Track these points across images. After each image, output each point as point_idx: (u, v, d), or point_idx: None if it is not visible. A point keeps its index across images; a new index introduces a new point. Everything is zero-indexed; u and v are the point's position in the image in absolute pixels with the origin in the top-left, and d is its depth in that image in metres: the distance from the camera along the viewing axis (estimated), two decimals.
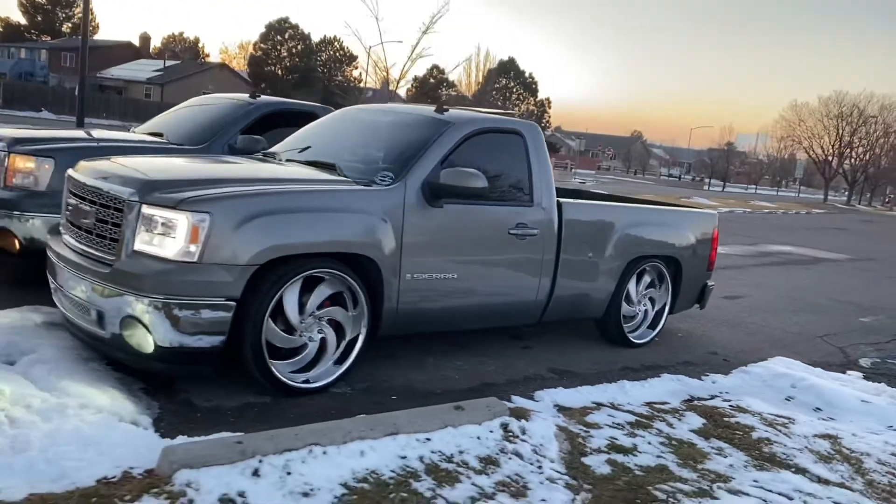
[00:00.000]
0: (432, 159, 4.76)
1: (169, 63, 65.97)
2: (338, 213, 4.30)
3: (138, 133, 7.28)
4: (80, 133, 6.79)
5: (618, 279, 5.92)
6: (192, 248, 3.82)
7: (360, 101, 71.24)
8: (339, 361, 4.45)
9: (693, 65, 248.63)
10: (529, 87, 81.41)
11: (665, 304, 6.47)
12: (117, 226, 4.01)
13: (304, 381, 4.29)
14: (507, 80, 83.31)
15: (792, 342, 7.29)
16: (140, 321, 3.86)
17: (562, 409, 4.56)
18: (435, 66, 79.26)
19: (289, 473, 3.23)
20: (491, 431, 3.95)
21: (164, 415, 3.82)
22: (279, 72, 62.06)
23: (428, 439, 3.73)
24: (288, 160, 5.09)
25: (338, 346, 4.42)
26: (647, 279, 6.26)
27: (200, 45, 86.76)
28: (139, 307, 3.85)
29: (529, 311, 5.48)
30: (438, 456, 3.62)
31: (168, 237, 3.86)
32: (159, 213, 3.88)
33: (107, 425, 3.47)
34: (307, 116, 7.26)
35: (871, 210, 62.14)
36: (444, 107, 5.37)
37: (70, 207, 4.48)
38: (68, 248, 4.38)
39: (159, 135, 6.74)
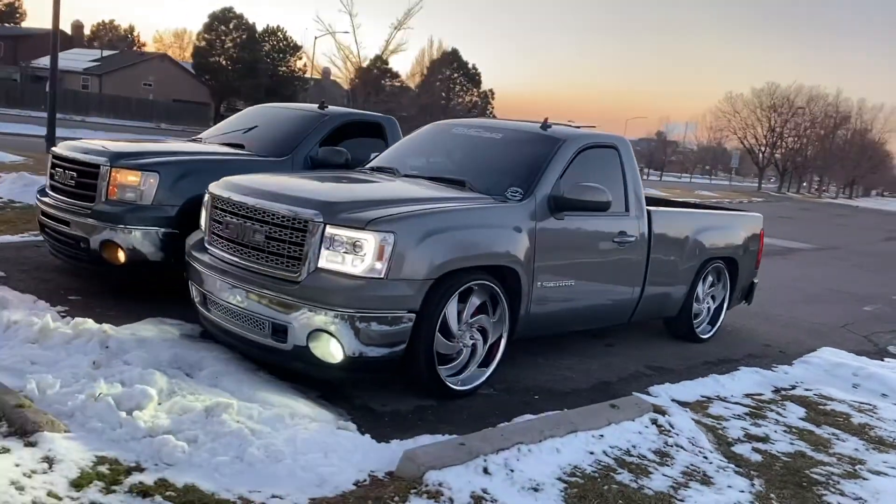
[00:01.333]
0: (553, 175, 5.14)
1: (106, 53, 64.05)
2: (491, 229, 4.65)
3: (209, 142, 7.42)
4: (172, 145, 6.89)
5: (692, 280, 6.42)
6: (379, 265, 4.11)
7: (302, 93, 70.43)
8: (483, 365, 4.78)
9: (628, 55, 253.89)
10: (473, 78, 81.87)
11: (723, 301, 7.00)
12: (297, 245, 4.25)
13: (460, 385, 4.62)
14: (450, 72, 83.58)
15: (824, 332, 7.93)
16: (330, 334, 4.13)
17: (680, 403, 5.00)
18: (378, 57, 78.96)
19: (511, 471, 3.58)
20: (646, 427, 4.37)
21: (357, 420, 4.09)
22: (224, 63, 60.93)
23: (601, 436, 4.13)
24: (409, 176, 5.37)
25: (477, 351, 4.76)
26: (710, 279, 6.77)
27: (136, 33, 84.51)
28: (328, 321, 4.12)
29: (624, 312, 5.93)
30: (617, 451, 4.02)
31: (355, 255, 4.13)
32: (345, 234, 4.15)
33: (329, 433, 3.75)
34: (373, 127, 7.55)
35: (802, 197, 65.01)
36: (547, 123, 5.73)
37: (222, 224, 4.68)
38: (226, 264, 4.58)
39: (240, 146, 6.90)
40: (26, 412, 3.40)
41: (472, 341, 4.66)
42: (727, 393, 5.35)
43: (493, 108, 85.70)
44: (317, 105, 7.59)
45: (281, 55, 65.49)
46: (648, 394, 5.16)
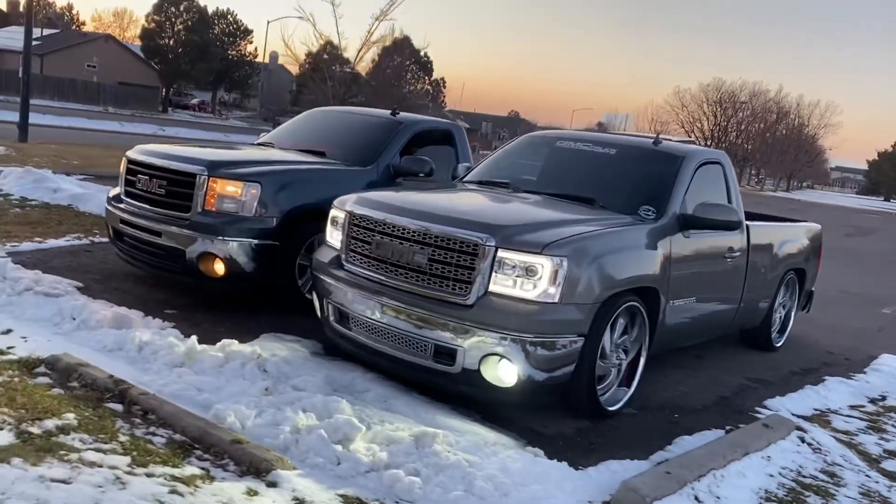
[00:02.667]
0: (680, 193, 5.22)
1: (47, 32, 61.42)
2: (640, 250, 4.69)
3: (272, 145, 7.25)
4: (258, 153, 6.69)
5: (774, 291, 6.60)
6: (552, 289, 4.12)
7: (254, 77, 68.89)
8: (622, 384, 4.83)
9: (575, 47, 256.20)
10: (424, 66, 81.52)
11: (791, 311, 7.21)
12: (465, 268, 4.21)
13: (608, 405, 4.66)
14: (401, 59, 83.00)
15: (869, 338, 8.25)
16: (503, 357, 4.12)
17: (798, 417, 5.15)
18: (329, 43, 77.86)
19: (718, 497, 3.66)
20: (798, 445, 4.51)
21: (535, 444, 4.09)
22: (174, 45, 59.18)
23: (769, 457, 4.24)
24: (531, 192, 5.35)
25: (621, 370, 4.81)
26: (785, 289, 6.97)
27: (74, 11, 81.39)
28: (502, 345, 4.11)
29: (728, 325, 6.07)
30: (790, 472, 4.15)
31: (529, 279, 4.12)
32: (519, 258, 4.14)
33: (531, 461, 3.76)
34: (444, 134, 7.50)
35: (747, 190, 66.96)
36: (659, 138, 5.79)
37: (370, 244, 4.60)
38: (375, 283, 4.51)
39: (320, 153, 6.75)
40: (249, 449, 3.31)
41: (618, 361, 4.71)
42: (833, 405, 5.54)
43: (444, 97, 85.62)
44: (388, 112, 7.47)
45: (231, 39, 64.05)
46: (767, 408, 5.30)
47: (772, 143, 76.50)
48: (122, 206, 6.27)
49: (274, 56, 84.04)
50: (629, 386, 4.82)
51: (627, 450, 4.19)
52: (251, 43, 65.73)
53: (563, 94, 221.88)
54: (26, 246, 7.25)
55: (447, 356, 4.27)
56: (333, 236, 5.03)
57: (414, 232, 4.38)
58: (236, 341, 4.61)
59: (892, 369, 6.67)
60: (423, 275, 4.35)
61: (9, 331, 4.71)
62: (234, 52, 64.99)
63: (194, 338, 4.56)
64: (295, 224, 5.90)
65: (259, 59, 65.93)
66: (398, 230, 4.46)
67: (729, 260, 5.70)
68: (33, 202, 9.88)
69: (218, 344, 4.55)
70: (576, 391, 4.40)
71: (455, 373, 4.26)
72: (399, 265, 4.45)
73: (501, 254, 4.16)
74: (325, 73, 57.46)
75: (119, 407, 3.68)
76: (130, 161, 6.28)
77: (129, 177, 6.27)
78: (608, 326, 4.42)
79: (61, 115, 37.24)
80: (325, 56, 77.56)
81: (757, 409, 5.24)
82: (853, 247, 21.19)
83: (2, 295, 5.33)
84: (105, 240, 7.97)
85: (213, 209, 5.72)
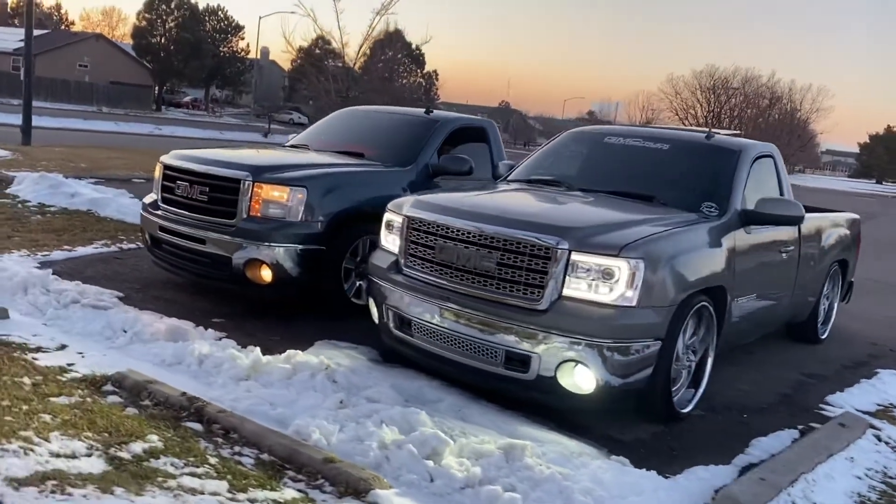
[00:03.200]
0: (740, 188, 5.13)
1: (37, 32, 60.71)
2: (709, 248, 4.60)
3: (304, 148, 7.13)
4: (297, 156, 6.55)
5: (822, 283, 6.53)
6: (630, 293, 4.02)
7: (247, 73, 68.31)
8: (690, 385, 4.75)
9: (565, 36, 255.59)
10: (417, 59, 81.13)
11: (834, 302, 7.14)
12: (537, 272, 4.12)
13: (680, 407, 4.57)
14: (393, 52, 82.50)
15: None
16: (581, 364, 4.02)
17: (864, 413, 5.08)
18: (321, 37, 77.34)
19: (814, 503, 3.57)
20: (876, 444, 4.44)
21: (617, 452, 4.00)
22: (166, 44, 58.72)
23: (852, 458, 4.17)
24: (586, 190, 5.24)
25: (691, 371, 4.72)
26: (829, 281, 6.90)
27: (63, 11, 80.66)
28: (581, 351, 4.01)
29: (782, 319, 6.00)
30: (875, 473, 4.08)
31: (605, 283, 4.03)
32: (595, 261, 4.04)
33: (621, 471, 3.67)
34: (478, 132, 7.38)
35: None
36: (711, 132, 5.69)
37: (432, 248, 4.49)
38: (439, 289, 4.41)
39: (359, 155, 6.63)
40: (344, 468, 3.21)
41: (688, 363, 4.62)
42: (892, 399, 5.46)
43: (437, 89, 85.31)
44: (422, 111, 7.35)
45: (222, 35, 63.62)
46: (830, 404, 5.23)
47: (765, 129, 76.41)
48: (159, 212, 6.14)
49: (265, 52, 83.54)
50: (697, 387, 4.73)
51: (708, 454, 4.10)
52: (243, 39, 65.43)
53: (553, 83, 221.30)
54: (57, 255, 7.11)
55: (520, 363, 4.18)
56: (389, 240, 4.93)
57: (481, 236, 4.27)
58: (301, 352, 4.50)
59: None
60: (491, 279, 4.25)
61: (63, 346, 4.59)
62: (225, 49, 64.61)
63: (258, 350, 4.46)
64: (340, 228, 5.79)
65: (251, 56, 65.57)
66: (464, 234, 4.35)
67: (784, 254, 5.62)
68: (52, 208, 9.72)
69: (283, 355, 4.44)
70: (651, 395, 4.31)
71: (529, 380, 4.16)
72: (465, 270, 4.34)
73: (575, 257, 4.06)
74: (324, 68, 57.07)
75: (198, 426, 3.57)
76: (168, 167, 6.15)
77: (166, 183, 6.14)
78: (683, 328, 4.33)
79: (56, 116, 37.00)
80: (318, 51, 77.23)
81: (821, 405, 5.16)
82: (864, 233, 21.11)
83: (48, 308, 5.20)
84: (133, 246, 7.87)
85: (259, 215, 5.61)
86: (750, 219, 5.02)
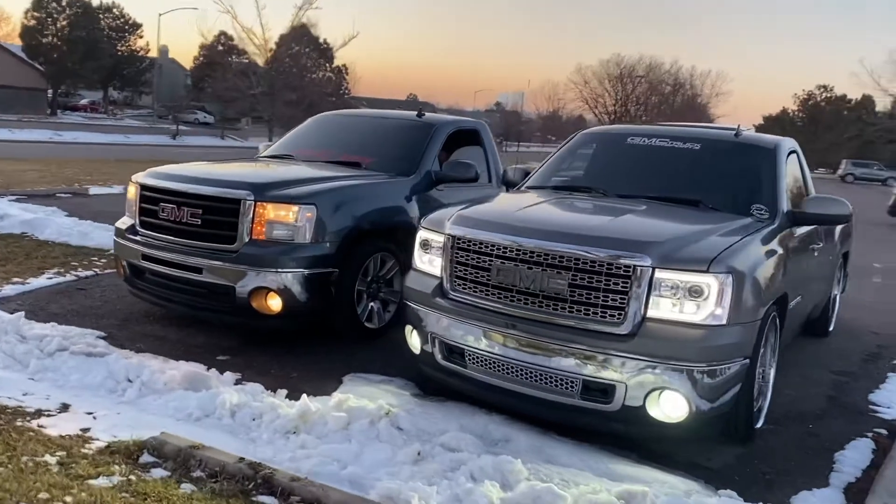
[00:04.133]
0: (784, 188, 4.92)
1: None
2: (776, 255, 4.35)
3: (272, 157, 6.55)
4: (292, 169, 5.93)
5: (834, 276, 6.46)
6: (719, 310, 3.72)
7: (148, 73, 65.31)
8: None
9: (473, 28, 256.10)
10: (325, 53, 79.72)
11: (838, 294, 7.10)
12: (617, 292, 3.76)
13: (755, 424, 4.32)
14: (300, 47, 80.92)
15: None
16: (673, 391, 3.70)
17: None
18: (223, 33, 74.97)
19: None
20: None
21: (717, 483, 3.70)
22: (59, 44, 55.38)
23: None
24: (625, 196, 4.91)
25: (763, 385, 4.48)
26: (838, 273, 6.84)
27: None
28: (671, 377, 3.69)
29: (810, 317, 5.86)
30: None
31: (693, 301, 3.71)
32: (681, 278, 3.71)
33: None
34: (472, 134, 6.98)
35: None
36: (740, 129, 5.47)
37: (487, 271, 4.07)
38: (498, 315, 4.00)
39: (355, 164, 6.12)
40: None
41: (761, 377, 4.37)
42: None
43: (347, 83, 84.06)
44: (414, 113, 6.88)
45: (119, 34, 60.64)
46: (877, 405, 5.11)
47: (669, 115, 78.77)
48: (138, 238, 5.48)
49: (164, 50, 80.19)
50: (763, 400, 4.50)
51: (803, 476, 3.86)
52: (141, 37, 62.50)
53: (462, 75, 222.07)
54: (8, 290, 6.32)
55: (600, 393, 3.82)
56: (426, 261, 4.48)
57: (548, 255, 3.88)
58: (352, 395, 4.00)
59: None
60: (562, 302, 3.87)
61: (66, 406, 3.96)
62: (123, 48, 61.63)
63: (305, 397, 3.93)
64: (351, 247, 5.29)
65: (151, 54, 62.83)
66: (526, 254, 3.95)
67: (815, 251, 5.47)
68: None
69: (332, 400, 3.93)
70: (735, 416, 4.04)
71: (612, 411, 3.81)
72: (530, 293, 3.94)
73: (660, 274, 3.72)
74: (228, 65, 55.02)
75: (272, 500, 3.05)
76: (147, 188, 5.48)
77: (145, 205, 5.48)
78: (763, 342, 4.08)
79: None
80: (220, 48, 74.66)
81: (871, 407, 5.03)
82: None
83: (30, 359, 4.51)
84: (91, 273, 7.12)
85: (263, 237, 5.04)
86: (797, 220, 4.81)
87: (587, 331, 3.81)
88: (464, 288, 4.20)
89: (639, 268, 3.72)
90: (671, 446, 4.04)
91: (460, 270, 4.22)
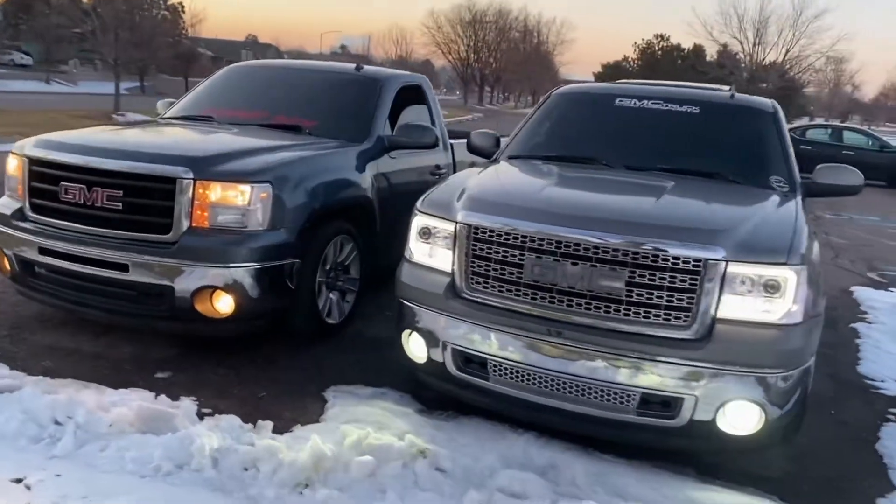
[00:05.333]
0: (793, 155, 4.55)
1: None
2: (811, 235, 3.93)
3: (173, 117, 5.46)
4: (227, 138, 4.82)
5: None
6: (795, 307, 3.25)
7: None
8: None
9: None
10: None
11: None
12: (683, 291, 3.21)
13: None
14: None
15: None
16: (748, 401, 3.23)
17: None
18: None
19: None
20: None
21: (788, 499, 3.30)
22: None
23: None
24: (636, 169, 4.34)
25: None
26: None
27: None
28: (748, 386, 3.22)
29: None
30: None
31: (768, 298, 3.22)
32: (756, 271, 3.20)
33: None
34: (416, 91, 6.17)
35: (501, 108, 69.50)
36: (732, 88, 5.03)
37: (519, 264, 3.40)
38: (542, 319, 3.37)
39: (295, 129, 5.16)
40: None
41: None
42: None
43: (184, 23, 78.46)
44: (351, 66, 5.94)
45: None
46: (871, 378, 4.97)
47: (518, 62, 79.74)
48: (29, 226, 4.33)
49: None
50: None
51: (867, 478, 3.58)
52: None
53: (305, 16, 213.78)
54: None
55: (662, 406, 3.29)
56: (427, 253, 3.73)
57: (598, 248, 3.25)
58: (371, 431, 3.23)
59: (885, 304, 6.71)
60: (616, 304, 3.27)
61: None
62: None
63: (316, 438, 3.11)
64: (312, 231, 4.43)
65: None
66: (569, 247, 3.30)
67: None
68: None
69: (348, 440, 3.15)
70: (794, 420, 3.62)
71: (676, 426, 3.28)
72: (574, 293, 3.31)
73: (734, 269, 3.20)
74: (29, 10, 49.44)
75: None
76: (37, 162, 4.32)
77: (38, 184, 4.33)
78: None
79: None
80: None
81: (868, 382, 4.87)
82: None
83: None
84: None
85: (207, 225, 4.08)
86: (812, 192, 4.44)
87: (647, 336, 3.24)
88: (485, 287, 3.50)
89: (710, 262, 3.17)
90: (723, 457, 3.59)
91: (479, 266, 3.51)
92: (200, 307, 4.09)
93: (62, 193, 4.21)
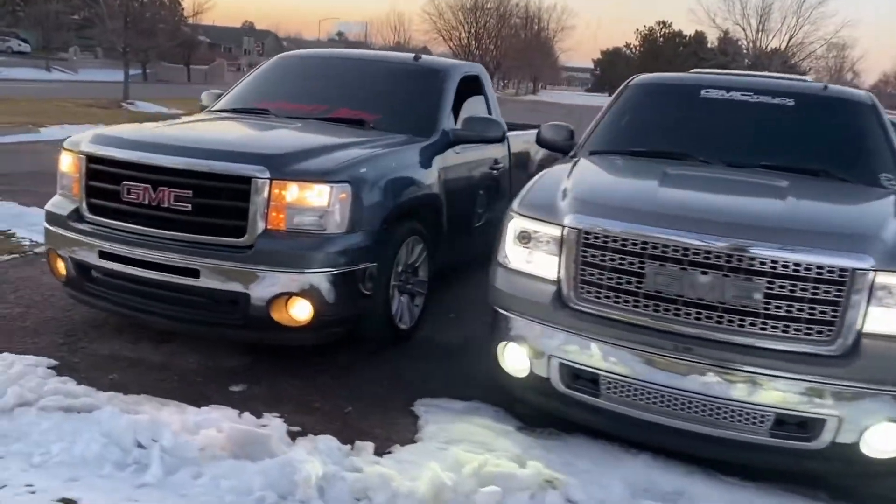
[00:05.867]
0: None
1: None
2: None
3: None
4: (307, 135, 4.46)
5: None
6: None
7: None
8: None
9: None
10: None
11: None
12: (824, 304, 2.95)
13: None
14: None
15: None
16: (891, 422, 2.98)
17: None
18: None
19: None
20: None
21: None
22: None
23: None
24: (735, 166, 4.06)
25: None
26: None
27: None
28: (893, 406, 2.96)
29: None
30: None
31: None
32: None
33: None
34: (475, 81, 5.88)
35: (510, 96, 69.03)
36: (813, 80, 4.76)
37: (638, 273, 3.14)
38: (662, 333, 3.10)
39: (357, 122, 4.88)
40: None
41: None
42: None
43: (182, 9, 77.75)
44: (409, 56, 5.65)
45: None
46: None
47: (519, 49, 79.13)
48: (87, 228, 4.06)
49: None
50: None
51: None
52: None
53: (303, 2, 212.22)
54: None
55: (798, 427, 3.04)
56: (527, 259, 3.45)
57: (731, 257, 2.99)
58: (490, 457, 2.97)
59: None
60: (752, 316, 3.00)
61: (68, 502, 2.68)
62: None
63: (435, 465, 2.85)
64: (387, 233, 4.15)
65: None
66: (700, 255, 3.03)
67: None
68: None
69: (468, 468, 2.88)
70: None
71: (814, 449, 3.03)
72: (703, 305, 3.05)
73: (882, 279, 2.93)
74: None
75: None
76: (97, 159, 4.04)
77: (96, 183, 4.05)
78: None
79: None
80: None
81: None
82: None
83: None
84: None
85: (283, 227, 3.80)
86: None
87: (787, 352, 2.98)
88: (598, 297, 3.24)
89: (858, 271, 2.91)
90: (858, 481, 3.35)
91: (591, 274, 3.24)
92: (276, 315, 3.82)
93: (124, 193, 3.93)
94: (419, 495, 2.71)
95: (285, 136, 4.35)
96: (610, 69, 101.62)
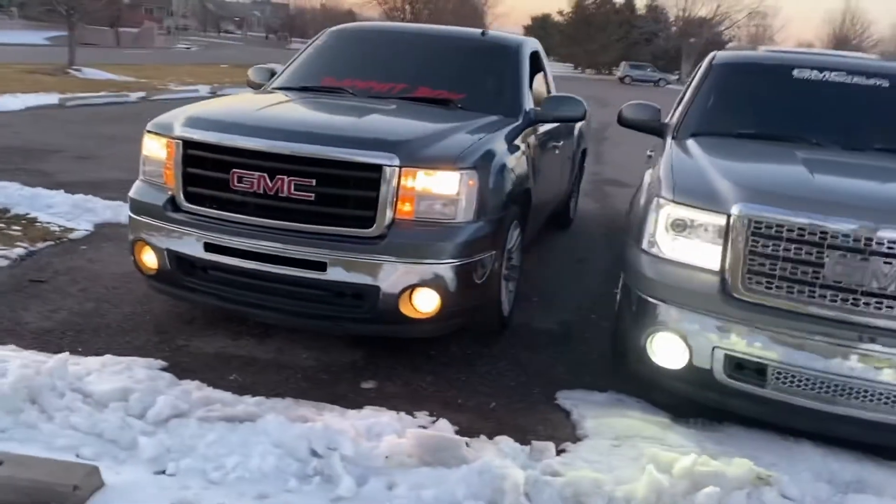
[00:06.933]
0: None
1: None
2: None
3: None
4: (435, 120, 4.22)
5: None
6: None
7: None
8: None
9: None
10: None
11: None
12: None
13: None
14: None
15: None
16: None
17: None
18: None
19: None
20: None
21: None
22: None
23: None
24: (852, 149, 4.06)
25: None
26: None
27: None
28: None
29: None
30: None
31: None
32: None
33: None
34: (537, 57, 5.73)
35: None
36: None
37: (816, 262, 3.11)
38: (842, 324, 3.09)
39: (443, 102, 4.68)
40: None
41: None
42: None
43: None
44: (477, 32, 5.43)
45: None
46: None
47: (451, 12, 78.34)
48: (186, 218, 3.78)
49: None
50: None
51: None
52: None
53: None
54: None
55: None
56: (683, 248, 3.38)
57: None
58: (694, 455, 2.89)
59: None
60: None
61: None
62: None
63: (651, 468, 2.76)
64: (502, 220, 4.02)
65: None
66: (888, 244, 3.02)
67: None
68: None
69: (678, 467, 2.81)
70: None
71: None
72: (886, 295, 3.04)
73: None
74: None
75: None
76: (196, 145, 3.76)
77: (197, 170, 3.77)
78: None
79: None
80: None
81: None
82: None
83: (135, 437, 2.87)
84: (21, 252, 5.07)
85: (412, 217, 3.62)
86: None
87: None
88: (767, 287, 3.19)
89: None
90: None
91: (761, 264, 3.19)
92: (404, 308, 3.66)
93: (234, 182, 3.66)
94: (639, 498, 2.64)
95: (400, 122, 4.13)
96: (541, 37, 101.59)
